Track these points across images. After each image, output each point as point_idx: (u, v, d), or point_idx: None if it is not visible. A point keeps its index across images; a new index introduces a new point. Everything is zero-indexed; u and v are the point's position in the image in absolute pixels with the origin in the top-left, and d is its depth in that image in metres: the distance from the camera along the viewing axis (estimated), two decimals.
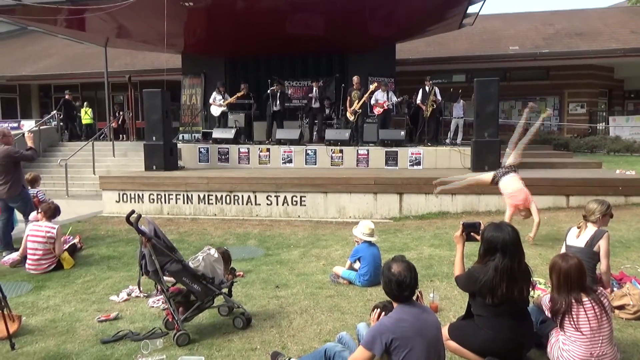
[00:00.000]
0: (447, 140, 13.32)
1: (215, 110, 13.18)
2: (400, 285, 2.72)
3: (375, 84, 12.03)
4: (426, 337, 2.69)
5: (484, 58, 17.44)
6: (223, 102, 13.03)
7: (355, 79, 12.19)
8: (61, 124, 16.72)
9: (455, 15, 12.62)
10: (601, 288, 3.27)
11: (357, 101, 11.78)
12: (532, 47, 17.62)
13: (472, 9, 12.28)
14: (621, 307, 4.10)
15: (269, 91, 12.79)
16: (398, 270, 2.76)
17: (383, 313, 2.90)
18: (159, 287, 4.12)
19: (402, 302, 2.78)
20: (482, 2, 11.65)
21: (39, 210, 6.42)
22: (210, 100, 13.37)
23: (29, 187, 7.73)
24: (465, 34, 18.02)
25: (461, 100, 13.75)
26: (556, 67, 18.15)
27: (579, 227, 4.22)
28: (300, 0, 10.66)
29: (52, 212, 6.26)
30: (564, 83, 18.38)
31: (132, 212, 3.90)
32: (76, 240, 7.06)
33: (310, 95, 12.90)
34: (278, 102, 12.80)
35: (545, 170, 10.41)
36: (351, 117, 11.93)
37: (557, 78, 18.45)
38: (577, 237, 4.20)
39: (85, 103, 18.77)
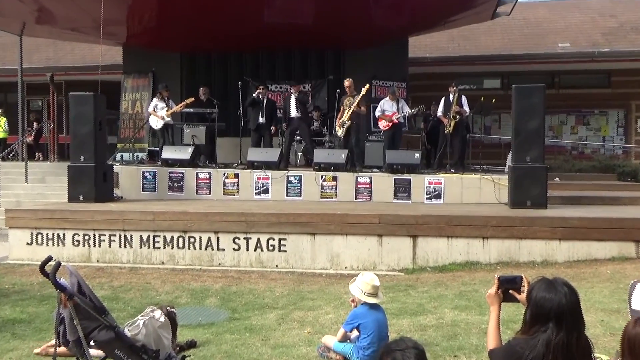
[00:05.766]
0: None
1: (156, 122, 13.20)
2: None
3: (367, 87, 12.06)
4: None
5: (524, 58, 17.83)
6: (166, 111, 13.08)
7: (346, 82, 12.17)
8: None
9: (487, 2, 12.92)
10: None
11: (347, 110, 11.86)
12: (588, 45, 18.03)
13: None
14: None
15: (254, 95, 12.78)
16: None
17: None
18: None
19: None
20: None
21: None
22: (150, 109, 13.43)
23: None
24: (500, 27, 18.41)
25: None
26: (620, 71, 18.55)
27: None
28: None
29: None
30: (631, 92, 18.71)
31: (49, 258, 3.86)
32: None
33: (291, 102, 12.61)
34: (264, 111, 12.72)
35: (607, 207, 10.54)
36: (339, 131, 12.00)
37: (621, 86, 18.79)
38: None
39: (0, 110, 18.69)
